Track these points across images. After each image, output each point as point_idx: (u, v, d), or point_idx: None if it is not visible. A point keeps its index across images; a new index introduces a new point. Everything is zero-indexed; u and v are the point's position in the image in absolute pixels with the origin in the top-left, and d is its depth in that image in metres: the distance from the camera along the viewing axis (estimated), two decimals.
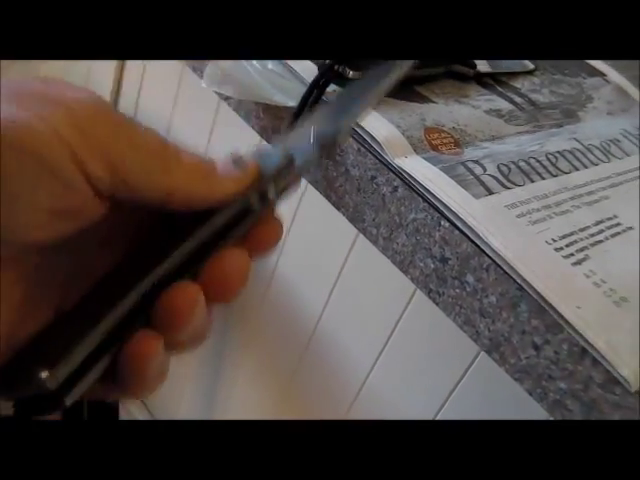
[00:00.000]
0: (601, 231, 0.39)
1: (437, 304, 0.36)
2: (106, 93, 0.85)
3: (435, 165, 0.39)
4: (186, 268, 0.22)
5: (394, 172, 0.38)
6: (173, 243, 0.22)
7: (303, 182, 0.52)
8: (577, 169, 0.45)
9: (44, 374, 0.17)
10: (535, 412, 0.36)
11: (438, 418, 0.46)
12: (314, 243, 0.62)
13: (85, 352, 0.19)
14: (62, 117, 0.20)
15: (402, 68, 0.33)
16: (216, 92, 0.45)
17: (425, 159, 0.40)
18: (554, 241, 0.36)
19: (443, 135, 0.43)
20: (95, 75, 0.89)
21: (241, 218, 0.24)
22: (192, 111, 0.70)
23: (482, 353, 0.42)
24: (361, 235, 0.40)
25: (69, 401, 0.18)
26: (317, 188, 0.43)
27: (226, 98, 0.50)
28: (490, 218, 0.36)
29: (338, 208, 0.41)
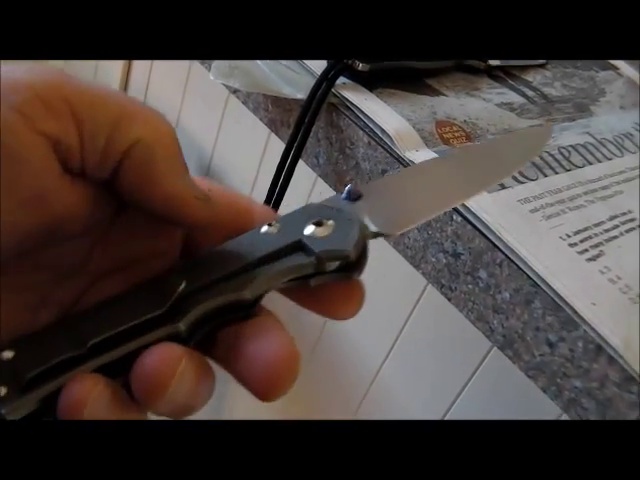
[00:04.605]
0: (616, 226, 0.38)
1: (449, 299, 0.36)
2: (114, 86, 0.85)
3: None
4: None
5: (405, 165, 0.38)
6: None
7: (313, 175, 0.52)
8: (590, 163, 0.45)
9: None
10: (549, 410, 0.36)
11: (449, 415, 0.45)
12: None
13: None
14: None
15: None
16: (224, 85, 0.44)
17: (436, 152, 0.39)
18: (568, 237, 0.35)
19: (455, 128, 0.43)
20: (102, 69, 0.89)
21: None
22: (201, 104, 0.69)
23: (494, 349, 0.41)
24: None
25: (10, 416, 0.18)
26: (327, 182, 0.43)
27: (234, 91, 0.49)
28: (503, 213, 0.35)
29: None
